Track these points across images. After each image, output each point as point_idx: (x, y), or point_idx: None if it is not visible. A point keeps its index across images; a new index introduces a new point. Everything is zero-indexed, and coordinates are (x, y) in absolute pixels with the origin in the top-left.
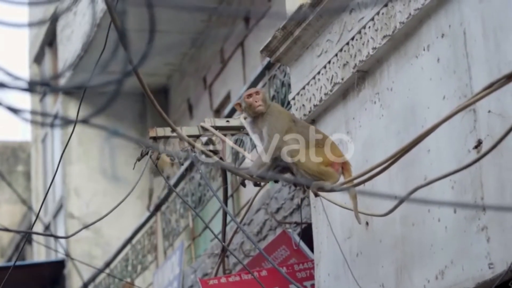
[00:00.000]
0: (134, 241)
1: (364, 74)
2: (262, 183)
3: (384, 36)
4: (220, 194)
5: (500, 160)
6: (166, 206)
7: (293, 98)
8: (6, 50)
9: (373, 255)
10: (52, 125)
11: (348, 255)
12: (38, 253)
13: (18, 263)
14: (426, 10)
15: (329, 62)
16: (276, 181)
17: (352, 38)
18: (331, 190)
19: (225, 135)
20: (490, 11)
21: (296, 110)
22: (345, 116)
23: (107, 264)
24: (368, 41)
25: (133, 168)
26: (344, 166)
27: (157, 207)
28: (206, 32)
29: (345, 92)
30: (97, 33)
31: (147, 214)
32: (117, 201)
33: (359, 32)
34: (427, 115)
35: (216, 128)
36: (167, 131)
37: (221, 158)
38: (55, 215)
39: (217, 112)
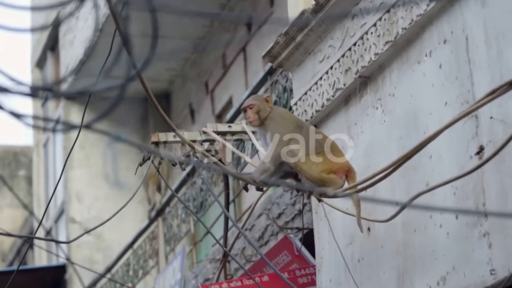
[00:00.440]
0: (135, 246)
1: (366, 80)
2: (264, 188)
3: (386, 42)
4: (222, 199)
5: (502, 166)
6: (167, 211)
7: (295, 104)
8: (8, 55)
9: (375, 261)
10: (54, 130)
11: (349, 261)
12: (40, 258)
13: (8, 268)
14: (428, 16)
15: (331, 67)
16: (278, 186)
17: (354, 44)
18: (334, 196)
19: (226, 140)
20: (493, 18)
21: (298, 115)
22: (347, 122)
23: (109, 269)
24: (370, 47)
25: (135, 173)
26: (349, 174)
27: (159, 212)
28: (208, 37)
29: (347, 98)
30: (99, 38)
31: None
32: (118, 206)
33: (361, 38)
34: (429, 121)
35: (218, 133)
36: (169, 136)
37: (222, 163)
38: (57, 220)
39: (219, 117)
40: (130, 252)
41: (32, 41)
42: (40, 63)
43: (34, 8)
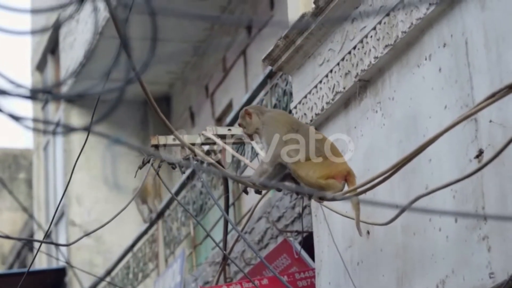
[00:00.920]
0: (135, 249)
1: (365, 83)
2: (263, 191)
3: (386, 46)
4: (222, 202)
5: (501, 170)
6: (167, 214)
7: (295, 107)
8: (8, 58)
9: (374, 264)
10: (54, 133)
11: (349, 264)
12: (40, 261)
13: (19, 270)
14: (428, 19)
15: (331, 71)
16: (278, 190)
17: (354, 48)
18: (333, 199)
19: (226, 143)
20: (492, 21)
21: (298, 119)
22: (347, 125)
23: (108, 272)
24: (370, 50)
25: (135, 176)
26: (348, 178)
27: (159, 215)
28: (208, 40)
29: (346, 101)
30: (99, 41)
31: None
32: (118, 209)
33: (361, 41)
34: (429, 124)
35: (218, 136)
36: (169, 139)
37: (222, 166)
38: (57, 223)
39: (219, 121)
40: (130, 255)
41: (32, 44)
42: (40, 66)
43: (34, 11)
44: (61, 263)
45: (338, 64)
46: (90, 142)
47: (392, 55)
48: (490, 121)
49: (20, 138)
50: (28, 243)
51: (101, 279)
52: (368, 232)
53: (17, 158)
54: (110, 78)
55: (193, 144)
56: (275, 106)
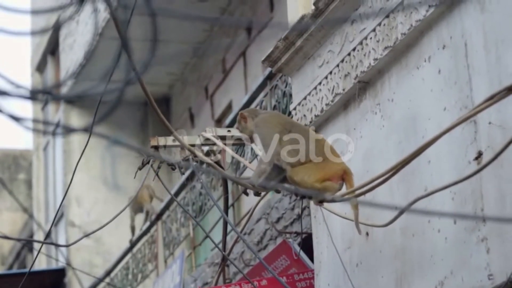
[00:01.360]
0: (134, 249)
1: (365, 85)
2: (263, 193)
3: (386, 47)
4: (221, 203)
5: (500, 172)
6: (167, 215)
7: (294, 108)
8: (8, 59)
9: (373, 265)
10: (53, 134)
11: (348, 265)
12: (39, 261)
13: (19, 271)
14: (427, 21)
15: (330, 72)
16: (277, 191)
17: (354, 49)
18: (332, 201)
19: (225, 144)
20: (492, 23)
21: (298, 120)
22: (346, 127)
23: (108, 273)
24: (369, 52)
25: (134, 177)
26: (346, 177)
27: (158, 216)
28: (208, 42)
29: (346, 103)
30: (99, 42)
31: (148, 222)
32: (118, 209)
33: (361, 43)
34: (428, 126)
35: (217, 137)
36: (168, 140)
37: (222, 167)
38: (56, 224)
39: (219, 122)
40: (129, 256)
41: (32, 45)
42: (40, 67)
43: (34, 12)
44: (61, 264)
45: (337, 65)
46: (90, 143)
47: (391, 57)
48: (489, 123)
49: (20, 139)
50: (27, 243)
51: (101, 280)
52: (367, 234)
53: (17, 159)
54: (111, 79)
55: (193, 145)
56: (274, 108)
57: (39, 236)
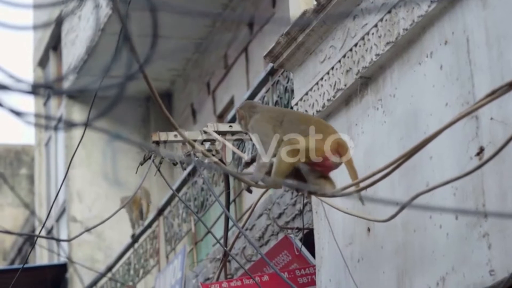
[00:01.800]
0: (136, 245)
1: (367, 81)
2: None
3: (388, 43)
4: (223, 199)
5: (501, 167)
6: (168, 211)
7: (296, 104)
8: (11, 54)
9: (375, 261)
10: (55, 128)
11: (349, 261)
12: (41, 257)
13: (18, 266)
14: (429, 17)
15: (332, 68)
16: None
17: (356, 45)
18: (332, 195)
19: (227, 140)
20: (494, 19)
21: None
22: (348, 122)
23: (109, 268)
24: (371, 47)
25: (136, 172)
26: (341, 150)
27: (160, 211)
28: (210, 37)
29: (348, 98)
30: (101, 37)
31: (150, 218)
32: (119, 205)
33: (363, 38)
34: (430, 122)
35: (219, 133)
36: (170, 136)
37: (223, 163)
38: (58, 219)
39: (221, 117)
40: (131, 251)
41: (35, 41)
42: (42, 63)
43: (36, 6)
44: (62, 259)
45: (339, 61)
46: (91, 138)
47: (393, 52)
48: (491, 118)
49: (22, 134)
50: (29, 239)
51: (102, 275)
52: (368, 229)
53: (19, 154)
54: (111, 74)
55: (194, 141)
56: (276, 103)
57: (41, 231)
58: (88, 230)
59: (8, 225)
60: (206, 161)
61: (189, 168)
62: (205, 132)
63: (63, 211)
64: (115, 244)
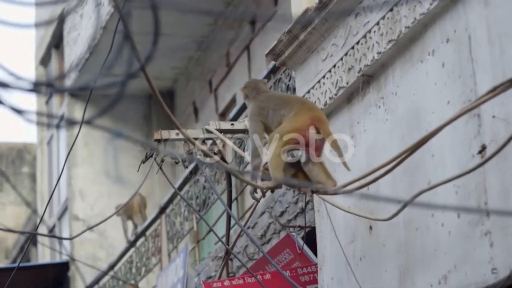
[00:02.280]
0: (138, 243)
1: (369, 79)
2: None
3: (389, 41)
4: (225, 197)
5: (504, 165)
6: (170, 209)
7: None
8: (13, 52)
9: (377, 259)
10: (57, 126)
11: (351, 259)
12: (43, 255)
13: (22, 264)
14: (431, 15)
15: (334, 66)
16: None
17: (357, 43)
18: (334, 193)
19: (230, 138)
20: (496, 17)
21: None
22: (350, 120)
23: (111, 266)
24: (373, 45)
25: (138, 171)
26: (318, 125)
27: (162, 210)
28: (212, 35)
29: (349, 96)
30: (102, 35)
31: (152, 216)
32: (121, 203)
33: (364, 36)
34: (432, 119)
35: (221, 131)
36: (172, 134)
37: (225, 161)
38: (60, 217)
39: (223, 116)
40: (133, 249)
41: (37, 39)
42: (44, 61)
43: (38, 4)
44: (64, 257)
45: (341, 59)
46: (93, 136)
47: (395, 50)
48: (493, 116)
49: (24, 133)
50: (31, 237)
51: (105, 273)
52: (370, 228)
53: (21, 153)
54: (113, 72)
55: (196, 139)
56: None
57: (43, 230)
58: (90, 228)
59: (10, 224)
60: (207, 159)
61: (191, 167)
62: (207, 131)
63: (65, 210)
64: (117, 242)
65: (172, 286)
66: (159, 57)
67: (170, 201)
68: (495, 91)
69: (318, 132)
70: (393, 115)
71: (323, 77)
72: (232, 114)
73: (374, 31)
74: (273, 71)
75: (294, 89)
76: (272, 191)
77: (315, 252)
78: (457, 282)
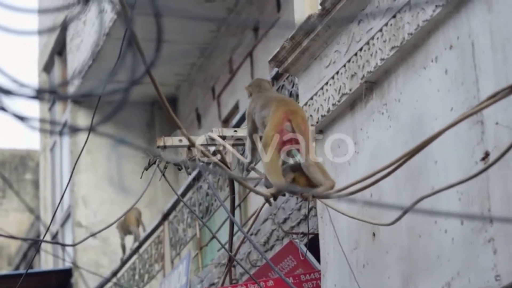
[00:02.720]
0: (141, 250)
1: (372, 85)
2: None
3: (392, 47)
4: (228, 203)
5: (507, 172)
6: (173, 216)
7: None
8: (15, 59)
9: (380, 266)
10: (60, 133)
11: (354, 266)
12: (46, 262)
13: (23, 271)
14: (434, 21)
15: (337, 72)
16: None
17: (360, 49)
18: (327, 196)
19: (233, 145)
20: (499, 24)
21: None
22: (353, 127)
23: (114, 273)
24: (376, 52)
25: (141, 177)
26: (291, 118)
27: (165, 216)
28: (214, 42)
29: (353, 103)
30: (105, 42)
31: (155, 223)
32: (124, 210)
33: (367, 43)
34: (435, 126)
35: (224, 137)
36: (174, 140)
37: (228, 167)
38: (63, 224)
39: (226, 122)
40: (136, 256)
41: (40, 46)
42: (47, 68)
43: (41, 11)
44: (67, 264)
45: (344, 65)
46: (97, 143)
47: (398, 57)
48: (496, 123)
49: (27, 139)
50: (34, 244)
51: (107, 280)
52: (373, 234)
53: (23, 159)
54: (117, 78)
55: (201, 145)
56: None
57: (46, 236)
58: (93, 235)
59: (13, 230)
60: (211, 165)
61: (194, 173)
62: (210, 137)
63: (68, 216)
64: (120, 249)
65: None
66: (162, 63)
67: (173, 207)
68: (496, 96)
69: (289, 122)
70: (396, 121)
71: (326, 83)
72: (235, 120)
73: (377, 38)
74: (276, 77)
75: (297, 96)
76: (275, 199)
77: (318, 259)
78: None
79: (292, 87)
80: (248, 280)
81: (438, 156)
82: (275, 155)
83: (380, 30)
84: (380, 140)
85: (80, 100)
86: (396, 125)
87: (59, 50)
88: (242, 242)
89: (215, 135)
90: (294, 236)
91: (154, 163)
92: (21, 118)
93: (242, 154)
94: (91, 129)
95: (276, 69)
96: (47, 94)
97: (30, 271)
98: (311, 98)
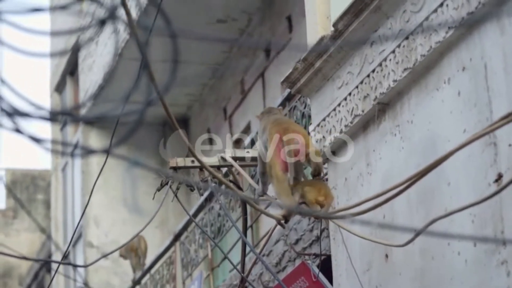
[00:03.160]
0: (152, 270)
1: (384, 107)
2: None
3: (405, 69)
4: (240, 224)
5: None
6: (185, 236)
7: (314, 130)
8: (28, 79)
9: (393, 287)
10: (72, 155)
11: (367, 287)
12: (57, 282)
13: None
14: (447, 43)
15: (349, 94)
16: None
17: (373, 71)
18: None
19: (245, 166)
20: (511, 46)
21: (316, 141)
22: (365, 148)
23: None
24: (388, 73)
25: (153, 198)
26: (282, 134)
27: (176, 237)
28: (226, 63)
29: (365, 124)
30: (118, 63)
31: (166, 243)
32: (136, 230)
33: (380, 64)
34: (448, 148)
35: (236, 159)
36: (187, 161)
37: (240, 189)
38: (75, 244)
39: (237, 143)
40: (147, 277)
41: (52, 66)
42: (59, 88)
43: (53, 33)
44: (79, 285)
45: (357, 87)
46: (109, 164)
47: (411, 79)
48: (510, 145)
49: (38, 159)
50: (45, 264)
51: None
52: (386, 256)
53: (35, 179)
54: (130, 100)
55: (212, 167)
56: None
57: (57, 256)
58: (105, 256)
59: (24, 250)
60: (223, 186)
61: (206, 194)
62: (222, 158)
63: (79, 236)
64: (131, 269)
65: None
66: (174, 84)
67: (184, 228)
68: (509, 117)
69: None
70: (409, 143)
71: (339, 105)
72: (247, 141)
73: (390, 59)
74: (288, 98)
75: (309, 117)
76: (287, 221)
77: (330, 280)
78: None
79: (304, 108)
80: None
81: (451, 178)
82: (281, 176)
83: (393, 51)
84: (393, 162)
85: (93, 121)
86: (408, 147)
87: (71, 70)
88: (254, 263)
89: (227, 156)
90: (307, 257)
91: (166, 184)
92: (37, 140)
93: (255, 174)
94: (109, 152)
95: (288, 90)
96: (61, 116)
97: None
98: (324, 119)
